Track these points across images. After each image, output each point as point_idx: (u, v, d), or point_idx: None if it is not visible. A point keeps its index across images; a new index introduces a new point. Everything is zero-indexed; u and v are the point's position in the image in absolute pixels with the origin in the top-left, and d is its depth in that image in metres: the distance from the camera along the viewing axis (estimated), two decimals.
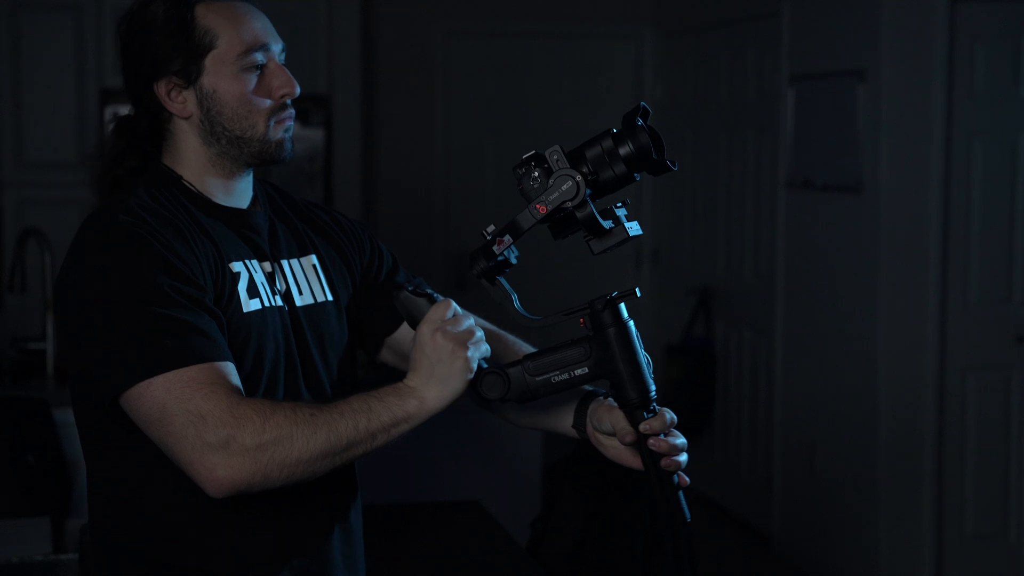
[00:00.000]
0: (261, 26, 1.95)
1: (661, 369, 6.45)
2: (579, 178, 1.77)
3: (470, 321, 1.83)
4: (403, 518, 3.32)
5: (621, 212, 1.83)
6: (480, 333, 1.82)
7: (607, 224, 1.80)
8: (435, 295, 1.84)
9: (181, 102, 1.92)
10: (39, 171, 5.86)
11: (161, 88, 1.92)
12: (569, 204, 1.78)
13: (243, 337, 1.87)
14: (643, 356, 1.85)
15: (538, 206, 1.78)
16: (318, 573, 1.98)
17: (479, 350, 1.82)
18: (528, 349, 2.05)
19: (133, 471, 1.89)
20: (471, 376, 1.81)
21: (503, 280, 1.84)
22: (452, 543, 3.17)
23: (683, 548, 3.24)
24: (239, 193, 1.99)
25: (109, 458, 1.92)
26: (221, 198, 1.97)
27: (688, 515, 1.90)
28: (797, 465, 5.43)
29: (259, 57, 1.93)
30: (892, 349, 4.85)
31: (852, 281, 5.02)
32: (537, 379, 1.84)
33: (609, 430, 1.92)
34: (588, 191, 1.78)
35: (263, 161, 1.96)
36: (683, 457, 1.89)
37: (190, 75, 1.91)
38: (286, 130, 1.95)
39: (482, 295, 1.88)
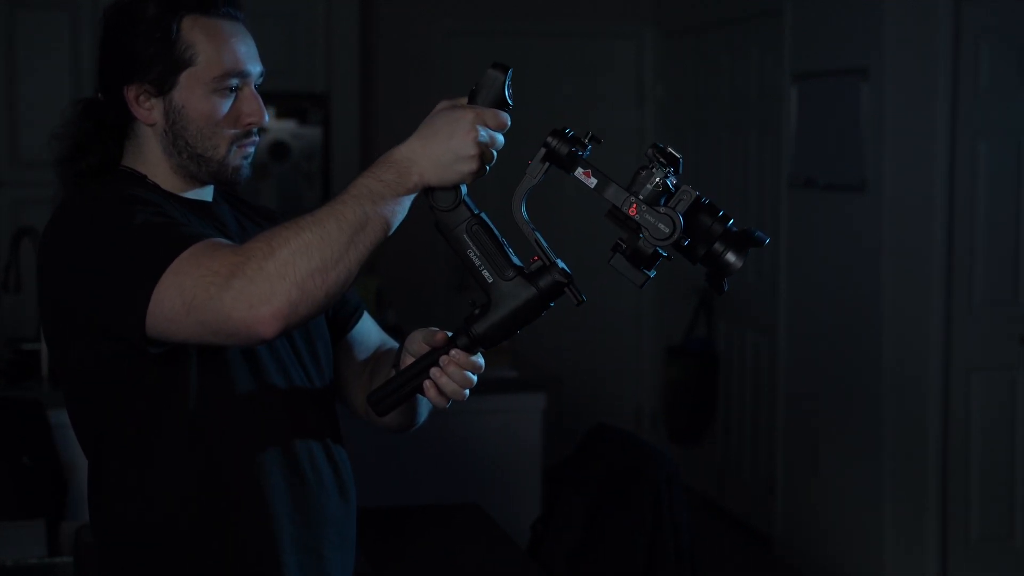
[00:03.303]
0: (244, 51, 1.93)
1: (662, 370, 6.43)
2: (679, 232, 1.74)
3: (502, 144, 1.78)
4: (403, 520, 3.31)
5: (658, 261, 1.81)
6: (495, 159, 1.78)
7: (649, 271, 1.79)
8: (510, 100, 1.78)
9: (148, 108, 1.92)
10: (34, 170, 5.82)
11: (131, 92, 1.92)
12: (648, 237, 1.75)
13: None
14: (519, 330, 1.82)
15: (634, 205, 1.75)
16: (315, 548, 1.96)
17: (485, 169, 1.79)
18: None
19: (133, 467, 1.88)
20: (462, 184, 1.78)
21: (546, 168, 1.79)
22: (452, 545, 3.17)
23: (684, 550, 3.22)
24: (203, 193, 2.00)
25: (108, 459, 1.90)
26: (188, 195, 1.98)
27: (385, 414, 1.88)
28: (800, 467, 5.41)
29: (234, 82, 1.92)
30: (896, 350, 4.82)
31: (855, 281, 4.99)
32: (464, 236, 1.81)
33: (421, 350, 1.89)
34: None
35: (217, 181, 1.97)
36: (463, 392, 1.85)
37: (163, 86, 1.90)
38: (245, 156, 1.96)
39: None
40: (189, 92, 1.90)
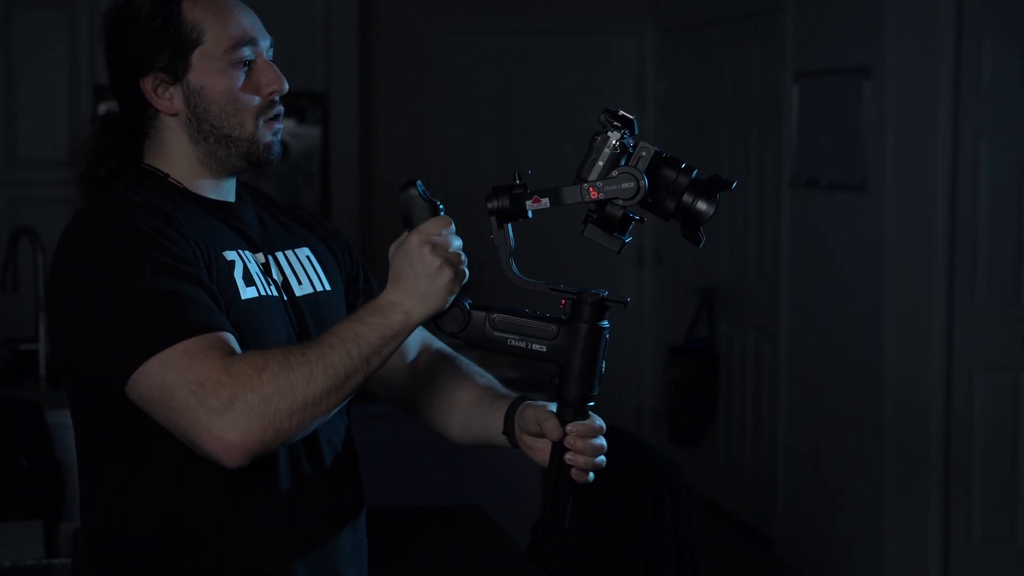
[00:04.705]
0: (249, 21, 1.92)
1: (663, 370, 6.41)
2: (644, 184, 1.75)
3: (460, 242, 1.80)
4: (403, 521, 3.29)
5: (632, 225, 1.82)
6: (465, 257, 1.80)
7: (623, 236, 1.80)
8: (440, 206, 1.80)
9: (168, 99, 1.90)
10: (32, 169, 5.82)
11: (147, 84, 1.89)
12: (620, 202, 1.76)
13: (243, 325, 1.83)
14: (601, 364, 1.82)
15: (591, 190, 1.76)
16: (328, 566, 1.95)
17: (461, 272, 1.80)
18: (481, 374, 2.06)
19: (138, 472, 1.86)
20: (452, 297, 1.79)
21: (510, 227, 1.82)
22: (453, 546, 3.15)
23: (685, 552, 3.21)
24: (226, 190, 1.97)
25: (110, 460, 1.88)
26: (210, 193, 1.95)
27: (568, 520, 1.86)
28: (801, 467, 5.39)
29: (247, 52, 1.90)
30: (898, 350, 4.80)
31: (857, 281, 4.97)
32: (495, 333, 1.82)
33: (536, 430, 1.89)
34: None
35: (250, 163, 1.94)
36: (600, 459, 1.85)
37: (177, 71, 1.88)
38: (275, 132, 1.94)
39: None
40: (204, 71, 1.88)
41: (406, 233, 1.79)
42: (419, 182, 1.80)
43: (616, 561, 3.20)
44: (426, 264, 1.76)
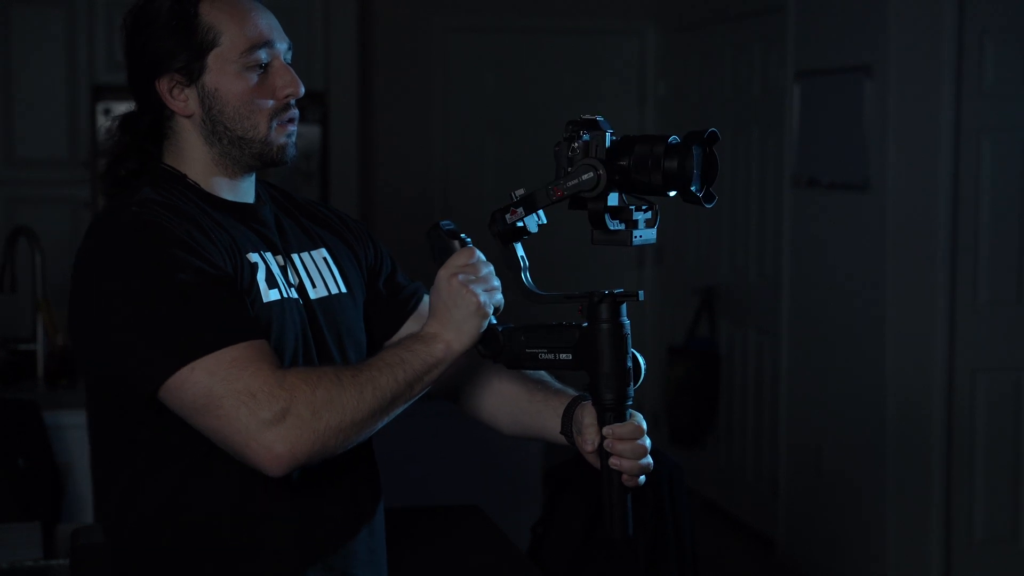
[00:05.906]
0: (266, 23, 1.93)
1: (664, 370, 6.40)
2: (602, 172, 1.76)
3: (489, 269, 1.85)
4: (402, 522, 3.28)
5: (641, 216, 1.82)
6: (497, 282, 1.85)
7: (613, 224, 1.80)
8: (467, 240, 1.86)
9: (183, 100, 1.90)
10: (30, 169, 5.82)
11: (163, 85, 1.90)
12: (586, 195, 1.77)
13: (265, 327, 1.84)
14: (630, 360, 1.84)
15: (555, 188, 1.79)
16: (342, 569, 1.95)
17: (493, 297, 1.84)
18: (560, 387, 2.07)
19: (158, 473, 1.86)
20: (487, 321, 1.84)
21: (518, 246, 1.86)
22: (452, 548, 3.14)
23: (686, 552, 3.20)
24: (244, 190, 1.97)
25: (124, 459, 1.88)
26: (227, 195, 1.95)
27: (630, 529, 1.85)
28: (803, 468, 5.38)
29: (263, 55, 1.91)
30: (900, 350, 4.79)
31: (859, 281, 4.96)
32: (527, 351, 1.86)
33: (581, 423, 1.91)
34: (606, 186, 1.77)
35: (264, 163, 1.94)
36: (645, 460, 1.87)
37: (192, 73, 1.89)
38: (288, 135, 1.94)
39: None
40: (220, 73, 1.89)
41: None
42: (443, 221, 1.87)
43: (616, 562, 3.19)
44: (452, 293, 1.82)
